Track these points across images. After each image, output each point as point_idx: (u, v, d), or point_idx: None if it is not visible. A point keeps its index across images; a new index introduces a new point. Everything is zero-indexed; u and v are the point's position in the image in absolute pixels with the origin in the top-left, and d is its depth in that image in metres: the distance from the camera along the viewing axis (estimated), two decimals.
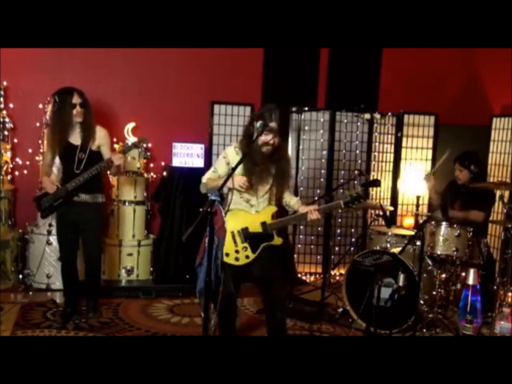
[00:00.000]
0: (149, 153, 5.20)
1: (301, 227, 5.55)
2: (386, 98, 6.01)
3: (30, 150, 5.06)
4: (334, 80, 5.92)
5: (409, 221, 5.79)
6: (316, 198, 5.39)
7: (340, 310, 4.35)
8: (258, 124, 3.07)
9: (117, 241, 5.00)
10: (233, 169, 2.95)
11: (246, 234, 3.24)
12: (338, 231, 5.66)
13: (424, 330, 3.96)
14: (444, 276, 4.12)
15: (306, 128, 5.52)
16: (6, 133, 4.92)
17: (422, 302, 3.98)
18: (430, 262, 4.19)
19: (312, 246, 5.62)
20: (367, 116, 5.30)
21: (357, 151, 5.64)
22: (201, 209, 3.05)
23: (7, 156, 4.95)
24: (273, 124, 3.10)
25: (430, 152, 5.86)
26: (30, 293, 4.60)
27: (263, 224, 3.25)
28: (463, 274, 4.10)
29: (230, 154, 3.24)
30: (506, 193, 4.89)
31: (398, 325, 3.85)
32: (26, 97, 5.04)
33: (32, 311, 4.18)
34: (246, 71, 5.65)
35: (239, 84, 5.58)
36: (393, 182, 5.85)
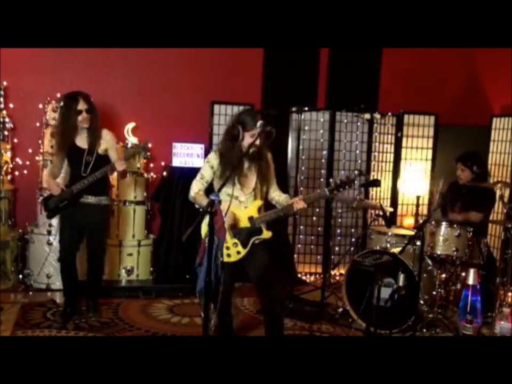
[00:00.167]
0: (149, 153, 5.19)
1: (301, 227, 5.56)
2: (386, 98, 6.01)
3: (30, 150, 5.06)
4: (334, 80, 5.92)
5: (409, 221, 5.79)
6: None
7: (340, 310, 4.34)
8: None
9: (117, 241, 5.00)
10: (234, 169, 2.98)
11: (234, 231, 3.25)
12: (338, 231, 5.66)
13: (424, 330, 3.96)
14: (443, 276, 4.12)
15: (306, 128, 5.53)
16: (6, 133, 4.93)
17: (422, 302, 3.98)
18: (430, 262, 4.19)
19: (312, 246, 5.62)
20: (367, 116, 5.30)
21: (357, 151, 5.64)
22: (201, 209, 3.06)
23: (7, 155, 4.95)
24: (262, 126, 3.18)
25: (430, 152, 5.86)
26: (30, 293, 4.60)
27: (250, 218, 3.28)
28: (463, 274, 4.10)
29: (212, 159, 3.32)
30: (506, 193, 4.89)
31: (398, 325, 3.85)
32: (26, 97, 5.04)
33: (32, 311, 4.18)
34: (246, 71, 5.65)
35: (239, 84, 5.58)
36: (393, 182, 5.84)
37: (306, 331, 4.09)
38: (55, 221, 4.55)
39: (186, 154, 5.06)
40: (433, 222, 4.08)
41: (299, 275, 5.52)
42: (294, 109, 4.89)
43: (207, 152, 5.19)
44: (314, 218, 5.59)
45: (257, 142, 3.15)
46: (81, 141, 3.92)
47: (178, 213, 4.96)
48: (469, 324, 3.67)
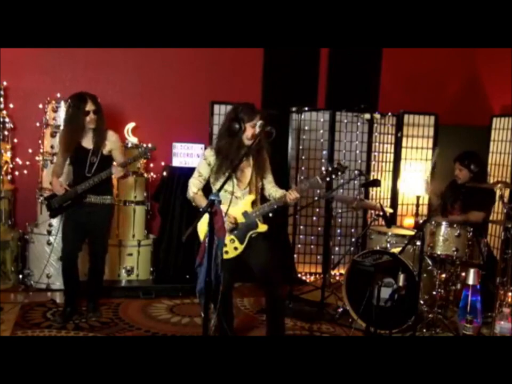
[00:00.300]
0: (149, 153, 5.19)
1: (301, 227, 5.56)
2: (386, 98, 6.01)
3: (30, 150, 5.06)
4: (334, 80, 5.92)
5: (409, 221, 5.79)
6: (316, 198, 5.40)
7: (340, 310, 4.34)
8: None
9: (117, 241, 4.99)
10: (233, 169, 3.00)
11: (230, 227, 3.25)
12: (338, 231, 5.66)
13: (424, 330, 3.96)
14: (444, 275, 4.12)
15: (306, 128, 5.53)
16: (6, 133, 4.93)
17: (422, 302, 3.98)
18: (430, 262, 4.18)
19: (312, 246, 5.62)
20: (367, 116, 5.30)
21: (357, 151, 5.64)
22: (201, 209, 3.07)
23: (7, 156, 4.95)
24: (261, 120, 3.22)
25: (430, 152, 5.85)
26: (30, 293, 4.60)
27: (245, 213, 3.29)
28: (463, 274, 4.10)
29: (208, 155, 3.32)
30: (506, 193, 4.89)
31: (398, 325, 3.84)
32: (26, 97, 5.04)
33: (32, 311, 4.18)
34: (246, 71, 5.65)
35: (239, 84, 5.58)
36: (393, 182, 5.84)
37: (306, 331, 4.09)
38: (55, 221, 4.55)
39: (186, 154, 5.06)
40: (433, 222, 4.08)
41: (299, 275, 5.52)
42: (294, 109, 4.89)
43: None
44: (314, 218, 5.60)
45: (257, 131, 3.16)
46: (87, 141, 3.92)
47: (178, 213, 4.96)
48: (469, 323, 3.67)
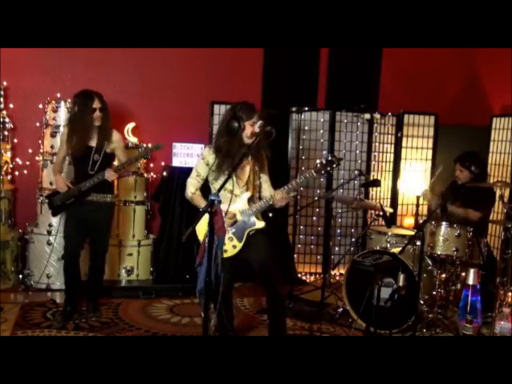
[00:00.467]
0: (149, 153, 5.19)
1: (301, 227, 5.56)
2: (386, 98, 6.01)
3: (30, 150, 5.06)
4: (334, 80, 5.92)
5: (409, 221, 5.79)
6: (316, 198, 5.40)
7: (340, 310, 4.34)
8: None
9: (117, 241, 4.99)
10: (234, 169, 3.01)
11: (230, 222, 3.25)
12: (338, 231, 5.66)
13: (424, 330, 3.96)
14: (444, 275, 4.12)
15: (306, 128, 5.53)
16: (6, 133, 4.93)
17: (422, 302, 3.98)
18: (430, 262, 4.19)
19: (312, 246, 5.62)
20: (367, 116, 5.30)
21: (357, 151, 5.64)
22: (201, 209, 3.07)
23: (7, 156, 4.95)
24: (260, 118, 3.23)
25: (430, 152, 5.86)
26: (30, 293, 4.60)
27: (242, 211, 3.29)
28: (463, 274, 4.10)
29: (207, 155, 3.32)
30: (506, 193, 4.89)
31: (398, 325, 3.84)
32: (26, 97, 5.04)
33: (32, 311, 4.18)
34: (246, 71, 5.65)
35: (239, 84, 5.58)
36: (393, 182, 5.84)
37: (306, 331, 4.09)
38: (55, 221, 4.55)
39: (186, 154, 5.05)
40: (433, 222, 4.08)
41: (299, 275, 5.52)
42: (294, 109, 4.89)
43: None
44: (314, 218, 5.60)
45: (257, 129, 3.17)
46: (91, 139, 3.90)
47: (178, 213, 4.96)
48: (469, 324, 3.67)
